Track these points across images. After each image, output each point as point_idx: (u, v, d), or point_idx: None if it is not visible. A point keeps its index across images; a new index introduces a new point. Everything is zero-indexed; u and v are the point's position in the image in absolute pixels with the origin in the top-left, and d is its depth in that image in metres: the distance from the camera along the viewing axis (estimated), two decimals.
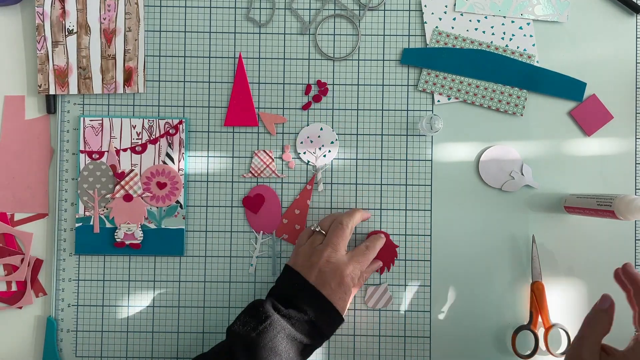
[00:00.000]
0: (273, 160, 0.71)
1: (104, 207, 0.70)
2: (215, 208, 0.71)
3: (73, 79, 0.70)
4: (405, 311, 0.71)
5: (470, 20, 0.71)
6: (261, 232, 0.71)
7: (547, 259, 0.70)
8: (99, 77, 0.70)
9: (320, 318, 0.59)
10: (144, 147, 0.70)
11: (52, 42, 0.70)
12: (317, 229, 0.65)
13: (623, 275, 0.56)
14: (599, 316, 0.55)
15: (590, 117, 0.71)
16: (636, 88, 0.71)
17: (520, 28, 0.71)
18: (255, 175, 0.71)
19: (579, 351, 0.53)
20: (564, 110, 0.71)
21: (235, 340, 0.58)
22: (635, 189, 0.71)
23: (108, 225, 0.70)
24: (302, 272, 0.62)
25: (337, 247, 0.62)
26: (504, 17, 0.71)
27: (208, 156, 0.71)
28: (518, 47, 0.71)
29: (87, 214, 0.70)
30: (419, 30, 0.72)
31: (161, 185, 0.70)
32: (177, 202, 0.70)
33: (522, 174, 0.70)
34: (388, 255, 0.70)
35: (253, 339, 0.57)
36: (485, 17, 0.71)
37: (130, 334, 0.71)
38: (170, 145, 0.70)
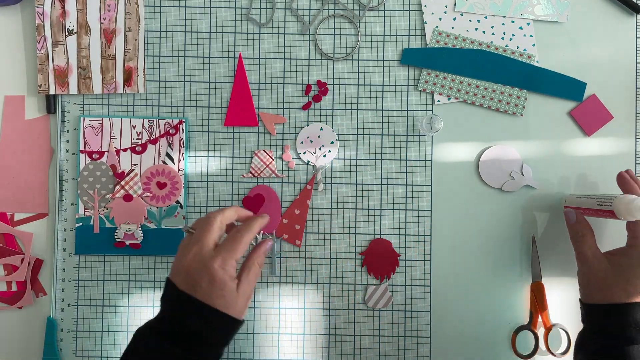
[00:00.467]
0: (273, 160, 0.71)
1: (104, 207, 0.70)
2: (215, 208, 0.71)
3: (73, 79, 0.70)
4: (405, 311, 0.71)
5: (470, 20, 0.71)
6: (261, 232, 0.71)
7: (547, 259, 0.70)
8: (99, 77, 0.70)
9: (201, 324, 0.52)
10: (144, 147, 0.70)
11: (52, 42, 0.70)
12: (189, 229, 0.57)
13: (627, 177, 0.63)
14: (576, 229, 0.64)
15: (590, 117, 0.71)
16: (636, 88, 0.71)
17: (520, 28, 0.71)
18: (255, 175, 0.71)
19: (580, 250, 0.63)
20: (564, 110, 0.71)
21: None
22: None
23: (108, 225, 0.70)
24: (173, 279, 0.55)
25: (203, 242, 0.54)
26: (504, 17, 0.71)
27: (208, 156, 0.71)
28: (518, 47, 0.71)
29: (87, 214, 0.70)
30: (419, 30, 0.72)
31: (161, 185, 0.70)
32: (177, 202, 0.70)
33: (522, 174, 0.70)
34: (389, 263, 0.70)
35: None
36: (485, 17, 0.71)
37: (130, 334, 0.70)
38: (170, 145, 0.70)
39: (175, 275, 0.55)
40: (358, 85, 0.71)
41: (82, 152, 0.70)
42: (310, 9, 0.72)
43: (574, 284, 0.70)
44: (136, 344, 0.54)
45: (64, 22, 0.70)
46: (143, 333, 0.54)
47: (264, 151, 0.71)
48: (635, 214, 0.58)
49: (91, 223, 0.70)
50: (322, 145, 0.71)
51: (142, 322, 0.70)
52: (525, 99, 0.71)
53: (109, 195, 0.70)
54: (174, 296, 0.54)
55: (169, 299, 0.55)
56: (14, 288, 0.71)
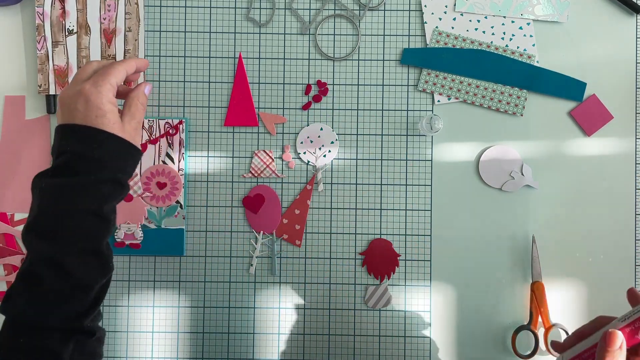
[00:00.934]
0: (273, 160, 0.71)
1: None
2: (215, 208, 0.71)
3: None
4: (405, 311, 0.71)
5: (470, 20, 0.71)
6: (261, 232, 0.71)
7: (547, 259, 0.70)
8: None
9: (78, 145, 0.52)
10: (144, 147, 0.70)
11: (52, 42, 0.70)
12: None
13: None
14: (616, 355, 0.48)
15: (590, 117, 0.71)
16: (636, 88, 0.71)
17: (520, 28, 0.71)
18: (255, 175, 0.71)
19: None
20: (564, 110, 0.71)
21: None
22: (636, 189, 0.71)
23: None
24: (57, 123, 0.54)
25: (79, 73, 0.55)
26: (504, 17, 0.71)
27: (208, 156, 0.71)
28: (518, 47, 0.71)
29: None
30: (419, 30, 0.72)
31: (161, 185, 0.70)
32: (177, 202, 0.70)
33: (522, 174, 0.70)
34: (389, 263, 0.70)
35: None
36: (485, 17, 0.71)
37: (131, 334, 0.71)
38: (170, 145, 0.70)
39: (57, 117, 0.54)
40: (358, 85, 0.71)
41: None
42: (310, 9, 0.72)
43: (574, 284, 0.70)
44: (32, 191, 0.53)
45: (64, 22, 0.70)
46: (36, 180, 0.53)
47: (264, 151, 0.71)
48: None
49: None
50: (322, 145, 0.71)
51: (142, 322, 0.71)
52: (525, 99, 0.71)
53: None
54: (57, 133, 0.53)
55: (55, 139, 0.54)
56: None
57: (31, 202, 0.53)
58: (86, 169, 0.52)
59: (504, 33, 0.71)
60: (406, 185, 0.71)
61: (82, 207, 0.52)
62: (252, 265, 0.71)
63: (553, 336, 0.68)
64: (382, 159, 0.71)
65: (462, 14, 0.71)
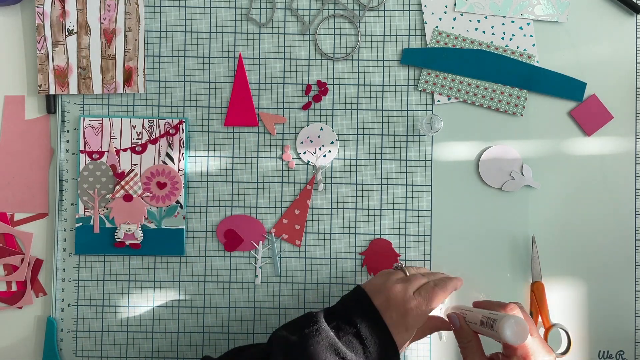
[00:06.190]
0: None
1: (104, 207, 0.70)
2: (215, 208, 0.71)
3: (73, 79, 0.70)
4: None
5: (470, 20, 0.71)
6: (260, 241, 0.71)
7: (547, 259, 0.70)
8: (99, 77, 0.70)
9: (370, 339, 0.55)
10: (144, 147, 0.70)
11: (52, 42, 0.70)
12: (402, 268, 0.62)
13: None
14: (462, 335, 0.62)
15: (590, 117, 0.71)
16: (636, 88, 0.71)
17: (520, 28, 0.71)
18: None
19: (465, 356, 0.62)
20: (564, 110, 0.71)
21: (275, 340, 0.56)
22: (636, 189, 0.71)
23: (108, 225, 0.70)
24: (369, 292, 0.59)
25: (409, 285, 0.59)
26: (504, 17, 0.71)
27: (208, 156, 0.71)
28: (518, 47, 0.71)
29: (87, 214, 0.70)
30: (419, 30, 0.72)
31: (161, 185, 0.70)
32: (177, 202, 0.70)
33: (522, 174, 0.70)
34: (389, 263, 0.70)
35: (294, 341, 0.54)
36: (485, 17, 0.71)
37: (130, 334, 0.71)
38: (170, 145, 0.70)
39: (373, 292, 0.59)
40: (358, 85, 0.71)
41: (82, 152, 0.70)
42: (310, 9, 0.72)
43: (574, 284, 0.70)
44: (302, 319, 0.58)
45: (64, 22, 0.70)
46: (312, 314, 0.58)
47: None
48: (522, 336, 0.56)
49: (91, 223, 0.70)
50: (322, 145, 0.71)
51: (141, 322, 0.71)
52: (525, 99, 0.71)
53: (109, 195, 0.70)
54: (366, 305, 0.58)
55: (357, 302, 0.58)
56: (14, 288, 0.71)
57: None
58: (356, 356, 0.55)
59: (504, 33, 0.71)
60: (406, 185, 0.71)
61: None
62: (257, 276, 0.71)
63: (553, 336, 0.68)
64: (382, 159, 0.71)
65: (462, 14, 0.71)
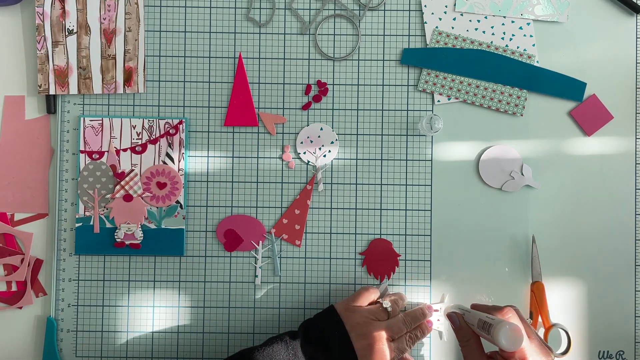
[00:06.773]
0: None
1: (104, 207, 0.70)
2: (215, 208, 0.71)
3: (73, 79, 0.70)
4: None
5: (470, 20, 0.71)
6: (260, 241, 0.71)
7: (547, 259, 0.70)
8: (99, 77, 0.70)
9: (334, 346, 0.60)
10: (144, 147, 0.70)
11: (52, 42, 0.70)
12: (386, 307, 0.64)
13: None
14: (462, 334, 0.64)
15: (590, 117, 0.71)
16: (636, 88, 0.71)
17: (520, 28, 0.71)
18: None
19: (465, 354, 0.63)
20: (564, 110, 0.71)
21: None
22: (636, 189, 0.71)
23: (108, 225, 0.70)
24: (350, 333, 0.61)
25: (390, 331, 0.62)
26: (504, 17, 0.71)
27: (208, 156, 0.71)
28: (518, 47, 0.71)
29: (87, 214, 0.70)
30: (419, 30, 0.72)
31: (161, 185, 0.70)
32: (177, 202, 0.70)
33: (522, 174, 0.71)
34: (389, 263, 0.70)
35: None
36: (485, 17, 0.71)
37: (130, 334, 0.71)
38: (170, 145, 0.70)
39: (356, 334, 0.61)
40: (358, 85, 0.71)
41: (82, 152, 0.70)
42: (310, 9, 0.72)
43: (574, 284, 0.70)
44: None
45: (64, 22, 0.70)
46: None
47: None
48: (517, 343, 0.56)
49: (91, 223, 0.70)
50: (322, 145, 0.71)
51: (142, 322, 0.71)
52: (525, 99, 0.71)
53: (109, 195, 0.70)
54: (339, 334, 0.61)
55: (339, 340, 0.61)
56: (14, 288, 0.71)
57: None
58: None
59: (504, 33, 0.71)
60: (406, 185, 0.71)
61: None
62: (257, 276, 0.71)
63: (553, 336, 0.68)
64: (382, 159, 0.71)
65: (462, 14, 0.71)
